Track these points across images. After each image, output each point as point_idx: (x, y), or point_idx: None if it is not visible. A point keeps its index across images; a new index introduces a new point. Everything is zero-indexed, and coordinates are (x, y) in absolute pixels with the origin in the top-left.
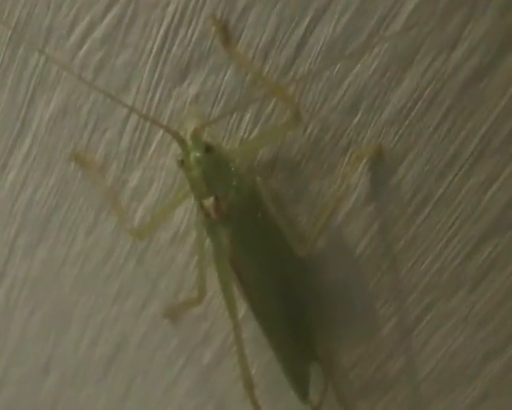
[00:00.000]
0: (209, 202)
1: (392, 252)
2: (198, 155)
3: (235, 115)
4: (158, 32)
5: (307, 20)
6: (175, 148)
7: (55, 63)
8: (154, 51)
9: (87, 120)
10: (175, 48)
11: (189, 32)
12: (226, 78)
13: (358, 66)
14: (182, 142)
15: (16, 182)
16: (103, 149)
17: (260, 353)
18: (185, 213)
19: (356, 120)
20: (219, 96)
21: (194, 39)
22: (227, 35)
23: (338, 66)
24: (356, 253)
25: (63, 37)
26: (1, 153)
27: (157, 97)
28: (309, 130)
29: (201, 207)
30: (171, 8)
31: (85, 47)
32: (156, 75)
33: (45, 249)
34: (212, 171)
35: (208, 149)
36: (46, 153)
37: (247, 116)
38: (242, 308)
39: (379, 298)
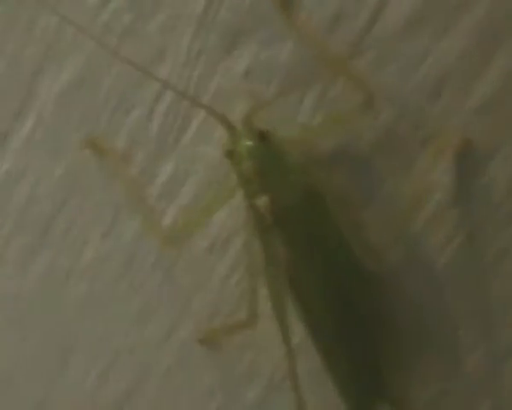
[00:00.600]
0: (263, 200)
1: (481, 266)
2: (251, 143)
3: (293, 97)
4: None
5: None
6: (219, 135)
7: (71, 25)
8: (195, 15)
9: (107, 96)
10: (223, 11)
11: None
12: (284, 51)
13: (443, 42)
14: (230, 127)
15: (13, 171)
16: (127, 134)
17: (319, 389)
18: (227, 216)
19: (439, 105)
20: (275, 73)
21: (246, 2)
22: (286, 0)
23: (418, 42)
24: (437, 267)
25: None
26: None
27: (198, 72)
28: (382, 117)
29: (253, 207)
30: None
31: (110, 6)
32: (198, 44)
33: (45, 258)
34: (267, 163)
35: (263, 136)
36: (53, 136)
37: (309, 98)
38: (298, 334)
39: (464, 323)
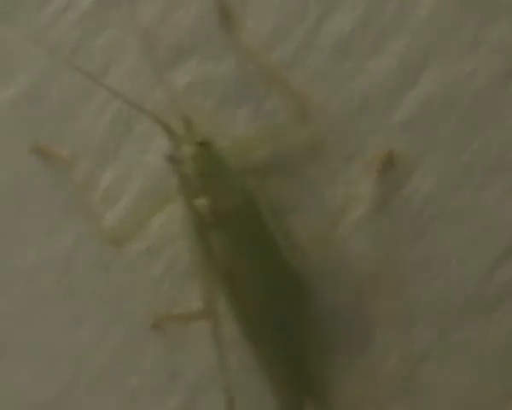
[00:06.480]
0: (203, 201)
1: (399, 272)
2: (192, 148)
3: (230, 109)
4: (147, 11)
5: (319, 9)
6: (158, 145)
7: (23, 37)
8: (140, 30)
9: (55, 105)
10: (166, 28)
11: (183, 11)
12: (223, 66)
13: (371, 63)
14: (173, 134)
15: None
16: (72, 142)
17: (249, 385)
18: (165, 221)
19: (365, 122)
20: (214, 87)
21: (188, 20)
22: (228, 18)
23: (349, 61)
24: (359, 272)
25: (33, 9)
26: None
27: (141, 84)
28: (313, 130)
29: (193, 208)
30: None
31: (59, 23)
32: (142, 59)
33: None
34: (207, 167)
35: (203, 143)
36: (0, 143)
37: (245, 111)
38: (229, 332)
39: (384, 325)
